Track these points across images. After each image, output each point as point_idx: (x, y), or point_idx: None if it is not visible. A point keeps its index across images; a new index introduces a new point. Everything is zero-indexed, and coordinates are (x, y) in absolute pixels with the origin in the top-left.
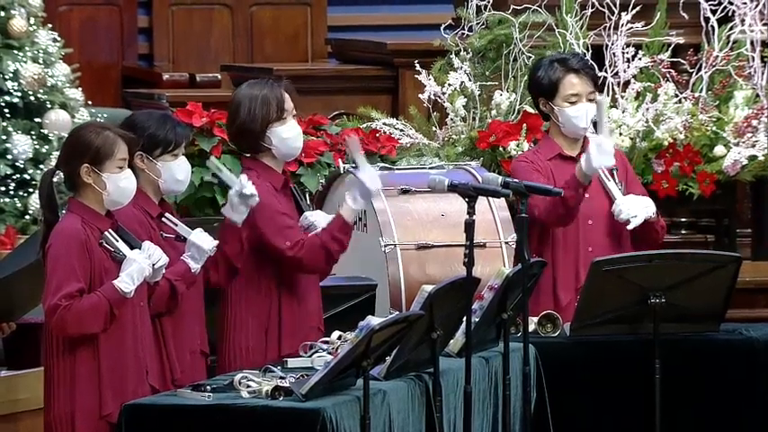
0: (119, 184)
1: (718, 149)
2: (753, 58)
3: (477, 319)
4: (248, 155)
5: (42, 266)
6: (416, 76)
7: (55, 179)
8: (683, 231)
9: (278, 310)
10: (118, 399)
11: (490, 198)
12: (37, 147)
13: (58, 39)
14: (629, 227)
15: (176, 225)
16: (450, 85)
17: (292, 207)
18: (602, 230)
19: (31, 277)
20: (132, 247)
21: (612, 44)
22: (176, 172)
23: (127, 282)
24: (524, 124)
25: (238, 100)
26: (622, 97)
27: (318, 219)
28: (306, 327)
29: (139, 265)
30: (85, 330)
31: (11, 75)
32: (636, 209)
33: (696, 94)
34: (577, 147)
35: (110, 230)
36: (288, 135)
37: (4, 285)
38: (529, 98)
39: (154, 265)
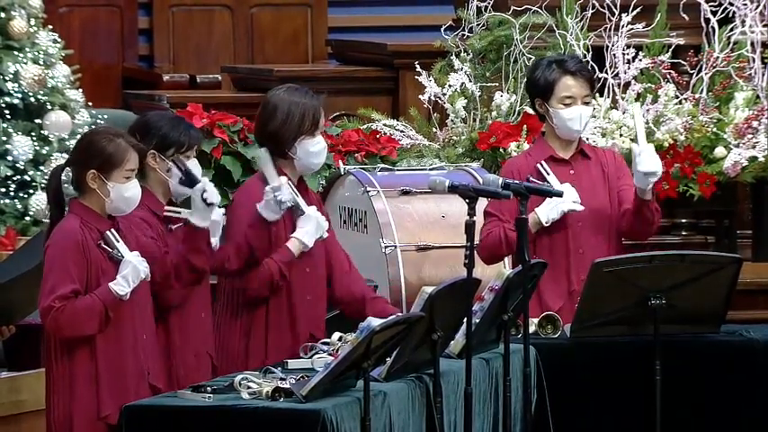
0: (123, 194)
1: (719, 151)
2: (753, 59)
3: (477, 321)
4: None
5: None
6: (417, 77)
7: (63, 176)
8: (684, 232)
9: (265, 314)
10: (117, 400)
11: (490, 199)
12: (37, 148)
13: (59, 40)
14: (648, 179)
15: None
16: (450, 86)
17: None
18: (592, 232)
19: (32, 282)
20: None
21: (613, 45)
22: None
23: (122, 284)
24: (525, 125)
25: (275, 103)
26: (623, 98)
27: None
28: (294, 334)
29: (135, 267)
30: (80, 332)
31: (11, 76)
32: (658, 163)
33: (696, 96)
34: (571, 149)
35: (112, 230)
36: (314, 149)
37: (5, 290)
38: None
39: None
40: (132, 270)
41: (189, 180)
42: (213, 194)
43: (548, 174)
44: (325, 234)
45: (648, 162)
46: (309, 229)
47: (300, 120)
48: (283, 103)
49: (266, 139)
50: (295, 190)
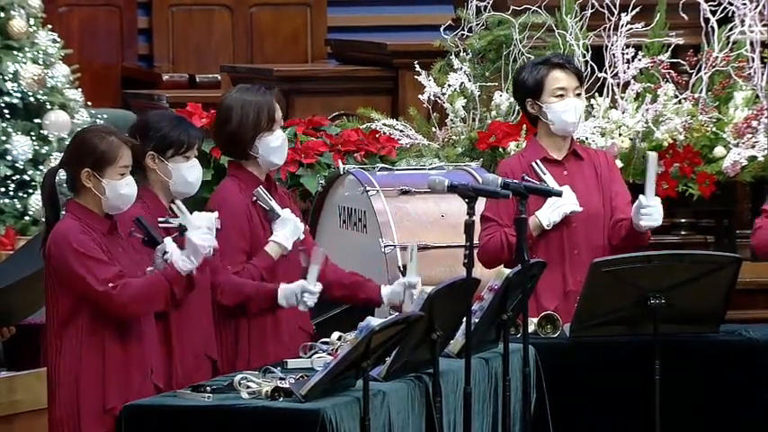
0: (119, 191)
1: (718, 150)
2: (752, 58)
3: (476, 320)
4: (233, 159)
5: (43, 275)
6: (416, 76)
7: (57, 178)
8: (683, 232)
9: (248, 317)
10: (122, 394)
11: (488, 203)
12: (37, 148)
13: (58, 39)
14: (641, 225)
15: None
16: (449, 85)
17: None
18: (587, 232)
19: (31, 286)
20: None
21: (612, 45)
22: (187, 174)
23: (186, 262)
24: (524, 125)
25: (229, 104)
26: (622, 98)
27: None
28: (287, 330)
29: (195, 246)
30: (147, 308)
31: (11, 76)
32: (659, 217)
33: (696, 95)
34: (564, 150)
35: (177, 202)
36: (275, 144)
37: (4, 293)
38: None
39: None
40: (194, 250)
41: (150, 241)
42: (179, 255)
43: (544, 173)
44: (302, 235)
45: (654, 219)
46: (287, 231)
47: (256, 117)
48: (236, 102)
49: (226, 141)
50: (268, 194)
